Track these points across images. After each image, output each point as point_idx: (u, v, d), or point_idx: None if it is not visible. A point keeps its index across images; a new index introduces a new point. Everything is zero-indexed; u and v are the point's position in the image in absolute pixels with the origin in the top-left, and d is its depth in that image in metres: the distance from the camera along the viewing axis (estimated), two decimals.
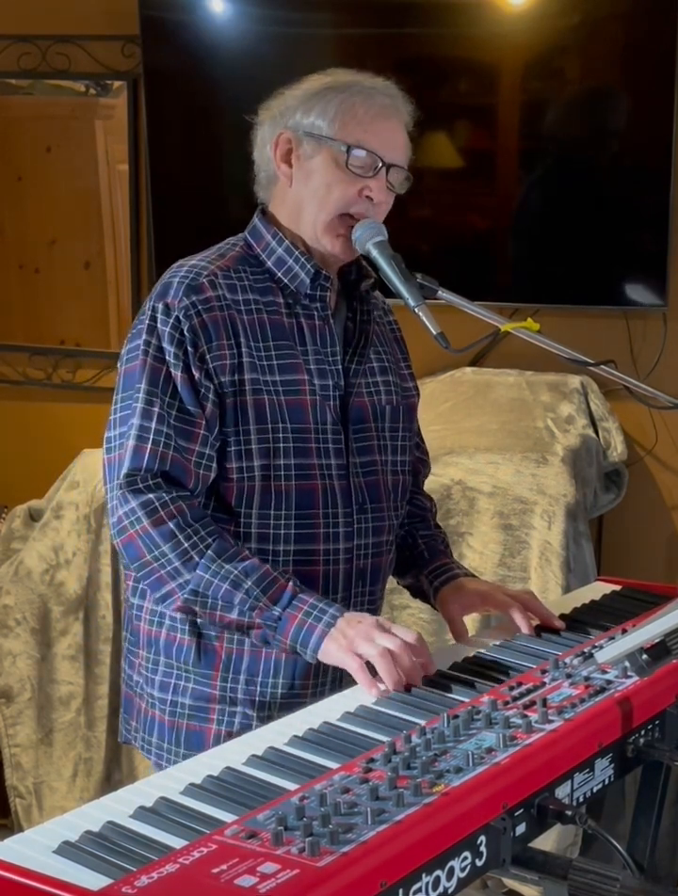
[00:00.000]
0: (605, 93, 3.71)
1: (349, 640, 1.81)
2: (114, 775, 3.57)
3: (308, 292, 2.00)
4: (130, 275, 4.25)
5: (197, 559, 1.87)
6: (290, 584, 1.88)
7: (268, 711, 1.97)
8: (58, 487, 3.59)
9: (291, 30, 3.85)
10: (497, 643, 1.97)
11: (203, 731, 1.99)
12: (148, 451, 1.90)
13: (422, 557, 2.19)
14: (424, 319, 1.92)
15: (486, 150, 3.85)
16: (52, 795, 3.56)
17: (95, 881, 1.23)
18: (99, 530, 3.47)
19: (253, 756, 1.54)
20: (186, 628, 1.99)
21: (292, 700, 1.95)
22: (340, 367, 2.02)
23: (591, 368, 2.04)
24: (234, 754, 1.55)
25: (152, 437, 1.90)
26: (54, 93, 4.31)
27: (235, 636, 1.96)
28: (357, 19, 3.82)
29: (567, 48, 3.69)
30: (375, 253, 1.97)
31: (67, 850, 1.29)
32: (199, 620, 1.97)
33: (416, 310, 1.93)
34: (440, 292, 1.99)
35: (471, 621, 3.16)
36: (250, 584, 1.86)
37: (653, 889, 1.40)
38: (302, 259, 2.00)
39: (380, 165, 1.96)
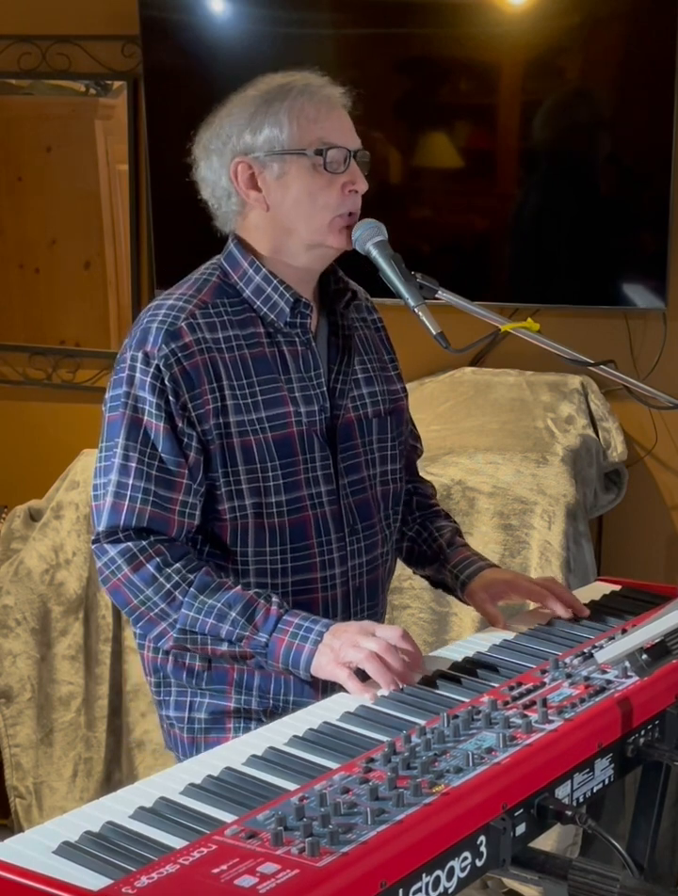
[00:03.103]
0: (604, 93, 3.71)
1: (336, 651, 1.82)
2: (114, 775, 3.57)
3: (288, 320, 1.98)
4: (130, 275, 4.25)
5: (180, 598, 1.88)
6: (274, 607, 1.88)
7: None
8: (58, 487, 3.59)
9: (291, 30, 3.85)
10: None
11: (221, 742, 1.98)
12: (125, 508, 1.91)
13: (442, 551, 2.19)
14: (424, 319, 1.92)
15: (486, 150, 3.84)
16: (52, 795, 3.56)
17: (95, 881, 1.23)
18: None
19: (253, 756, 1.54)
20: (197, 654, 1.99)
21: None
22: (325, 388, 2.02)
23: (591, 368, 2.04)
24: (233, 754, 1.56)
25: (129, 493, 1.91)
26: (54, 93, 4.31)
27: None
28: (357, 19, 3.82)
29: (567, 48, 3.68)
30: (375, 253, 1.97)
31: (67, 850, 1.29)
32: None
33: (416, 310, 1.93)
34: (440, 292, 1.99)
35: (471, 620, 3.16)
36: (234, 614, 1.87)
37: (653, 889, 1.40)
38: (281, 288, 1.98)
39: (348, 155, 1.95)
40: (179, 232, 3.97)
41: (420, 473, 2.34)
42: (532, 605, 2.18)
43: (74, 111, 4.30)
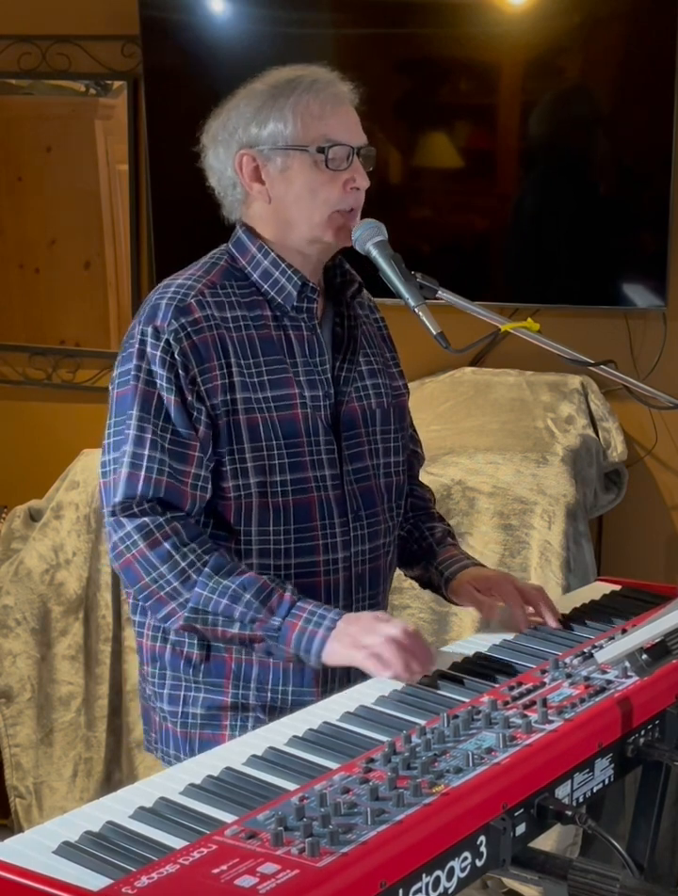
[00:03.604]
0: (604, 93, 3.71)
1: (352, 637, 1.82)
2: (114, 775, 3.57)
3: (295, 304, 2.00)
4: (130, 275, 4.25)
5: (194, 577, 1.88)
6: (288, 593, 1.88)
7: (280, 715, 1.96)
8: (58, 487, 3.59)
9: (291, 30, 3.85)
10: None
11: (217, 739, 1.98)
12: (141, 478, 1.90)
13: (431, 550, 2.19)
14: (424, 319, 1.92)
15: (486, 150, 3.85)
16: (52, 795, 3.56)
17: (95, 881, 1.23)
18: (99, 530, 3.46)
19: (253, 756, 1.54)
20: (195, 641, 1.99)
21: (303, 706, 1.95)
22: (329, 375, 2.02)
23: (591, 368, 2.04)
24: (233, 754, 1.55)
25: (145, 464, 1.90)
26: (54, 93, 4.31)
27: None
28: (357, 19, 3.82)
29: (567, 48, 3.68)
30: (375, 253, 1.97)
31: (67, 850, 1.29)
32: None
33: (416, 310, 1.93)
34: (440, 292, 1.99)
35: (471, 620, 3.16)
36: (248, 596, 1.87)
37: (653, 889, 1.40)
38: (289, 271, 1.99)
39: (352, 152, 1.96)
40: (179, 231, 3.97)
41: (420, 474, 2.34)
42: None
43: (74, 111, 4.31)
